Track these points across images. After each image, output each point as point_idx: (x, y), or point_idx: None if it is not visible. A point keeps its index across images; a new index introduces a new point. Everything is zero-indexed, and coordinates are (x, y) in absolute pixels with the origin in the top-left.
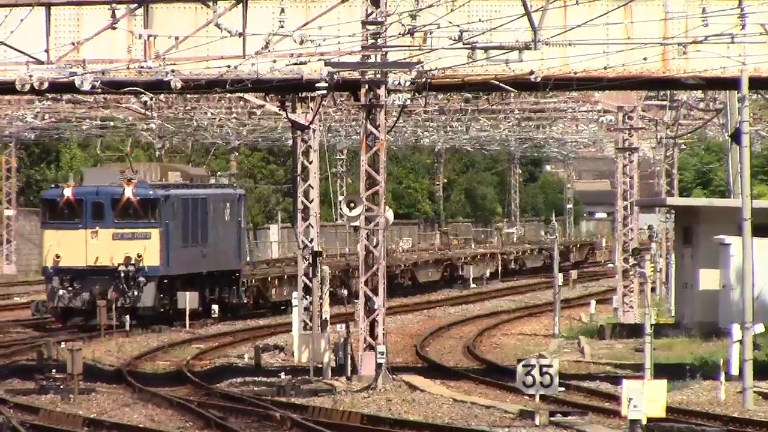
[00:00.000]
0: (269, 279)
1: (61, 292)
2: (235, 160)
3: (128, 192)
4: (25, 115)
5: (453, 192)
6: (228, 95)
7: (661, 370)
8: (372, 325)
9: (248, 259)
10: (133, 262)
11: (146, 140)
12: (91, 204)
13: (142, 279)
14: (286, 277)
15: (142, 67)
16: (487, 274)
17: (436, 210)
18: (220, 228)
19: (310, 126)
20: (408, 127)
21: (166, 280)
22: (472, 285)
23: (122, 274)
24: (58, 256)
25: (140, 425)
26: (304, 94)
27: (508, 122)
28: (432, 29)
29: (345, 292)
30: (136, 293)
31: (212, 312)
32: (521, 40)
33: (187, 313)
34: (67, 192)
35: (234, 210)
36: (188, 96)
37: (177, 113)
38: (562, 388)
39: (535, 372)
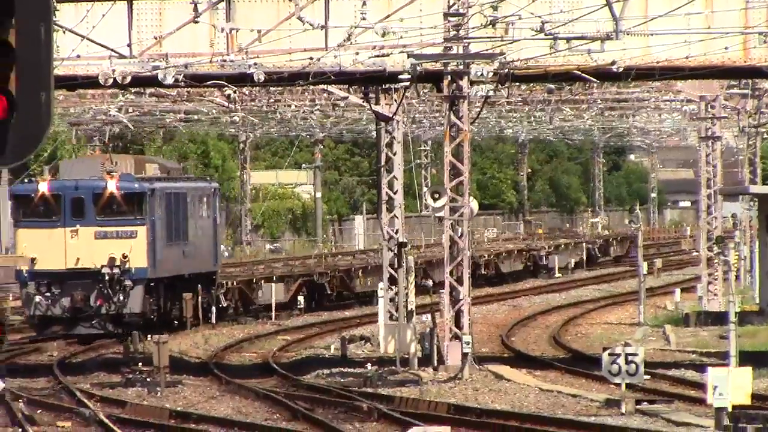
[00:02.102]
0: (254, 281)
1: (37, 298)
2: (319, 152)
3: (111, 186)
4: (108, 109)
5: (537, 182)
6: (311, 87)
7: (746, 358)
8: (457, 315)
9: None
10: (118, 263)
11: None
12: (70, 200)
13: (128, 282)
14: (274, 278)
15: (225, 61)
16: (572, 264)
17: (520, 200)
18: (198, 225)
19: (394, 117)
20: (491, 118)
21: (152, 284)
22: (557, 274)
23: (106, 278)
24: (33, 259)
25: (227, 417)
26: (387, 86)
27: (591, 112)
28: (514, 20)
29: (430, 282)
30: (122, 298)
31: (298, 303)
32: (603, 31)
33: (273, 305)
34: (43, 186)
35: (210, 205)
36: (272, 88)
37: (261, 106)
38: (648, 377)
39: (621, 360)
